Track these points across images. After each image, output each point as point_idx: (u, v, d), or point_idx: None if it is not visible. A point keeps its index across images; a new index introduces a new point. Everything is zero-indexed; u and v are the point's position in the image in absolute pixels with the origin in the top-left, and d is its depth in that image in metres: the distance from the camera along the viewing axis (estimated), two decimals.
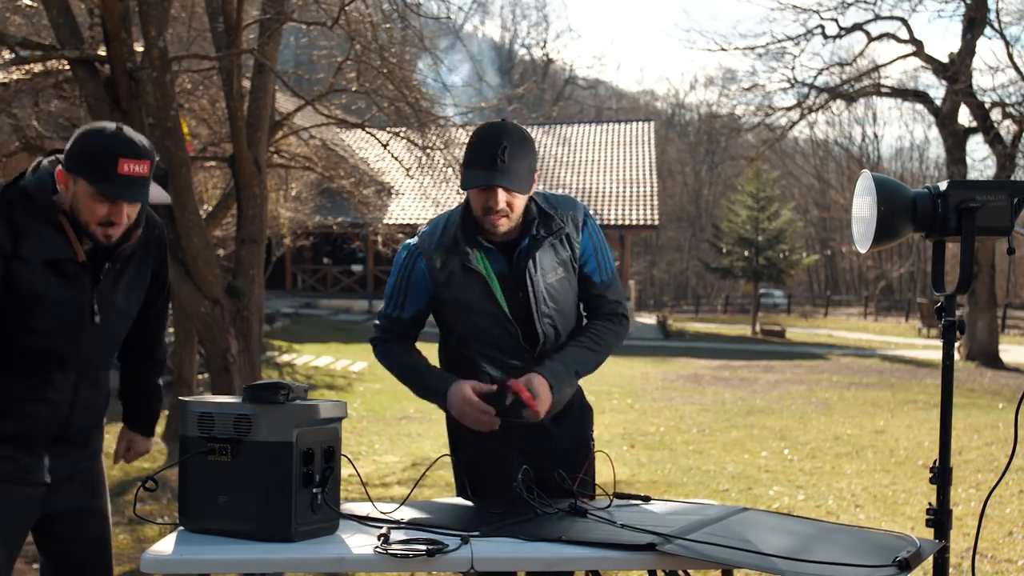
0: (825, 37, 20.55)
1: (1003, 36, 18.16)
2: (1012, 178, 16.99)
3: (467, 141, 2.52)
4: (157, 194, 2.34)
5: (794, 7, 20.33)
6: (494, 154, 2.41)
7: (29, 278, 2.29)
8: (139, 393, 2.77)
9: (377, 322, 2.70)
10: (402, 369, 2.65)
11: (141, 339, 2.69)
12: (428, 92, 10.15)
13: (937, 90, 33.50)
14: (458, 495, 2.73)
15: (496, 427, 2.48)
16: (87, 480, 2.54)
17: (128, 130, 2.30)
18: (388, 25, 8.59)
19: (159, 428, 8.56)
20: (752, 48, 21.21)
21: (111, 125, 2.30)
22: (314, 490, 2.16)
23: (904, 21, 20.05)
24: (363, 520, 2.31)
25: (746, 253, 29.85)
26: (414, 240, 2.64)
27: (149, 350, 2.74)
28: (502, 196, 2.45)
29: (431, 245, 2.57)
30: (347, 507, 2.38)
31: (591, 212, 2.73)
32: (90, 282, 2.38)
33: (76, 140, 2.28)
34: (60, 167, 2.30)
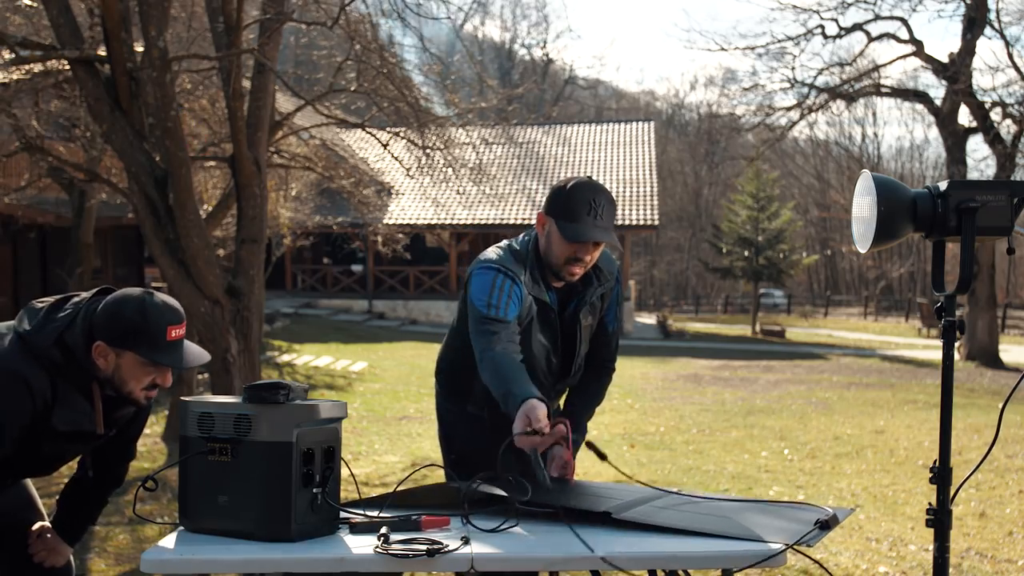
0: (825, 37, 20.55)
1: (1003, 36, 18.18)
2: (1012, 178, 16.99)
3: (557, 193, 2.57)
4: (198, 355, 2.36)
5: (794, 7, 20.34)
6: (595, 210, 2.52)
7: (41, 441, 2.32)
8: (90, 502, 2.67)
9: (485, 330, 2.50)
10: (500, 382, 2.45)
11: (113, 458, 2.63)
12: (428, 93, 10.15)
13: (937, 90, 33.52)
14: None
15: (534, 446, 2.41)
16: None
17: (158, 293, 2.29)
18: (388, 24, 8.59)
19: (158, 428, 8.57)
20: (752, 48, 21.22)
21: (139, 292, 2.27)
22: (314, 490, 2.16)
23: (904, 21, 20.07)
24: (356, 517, 2.31)
25: (746, 253, 29.84)
26: (499, 265, 2.58)
27: (116, 465, 2.66)
28: (593, 251, 2.58)
29: (521, 276, 2.60)
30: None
31: None
32: (90, 441, 2.45)
33: (113, 315, 2.24)
34: (100, 342, 2.24)
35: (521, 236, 2.71)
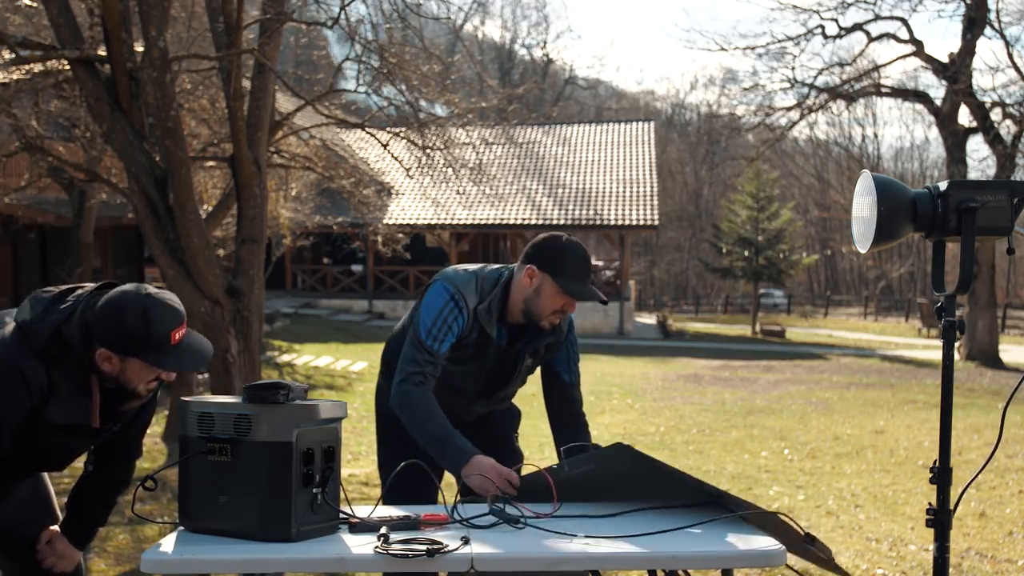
0: (825, 37, 20.56)
1: (1003, 36, 18.20)
2: (1012, 178, 16.99)
3: (551, 250, 2.69)
4: (202, 351, 2.35)
5: (794, 7, 20.35)
6: (589, 272, 2.72)
7: (37, 433, 2.31)
8: (97, 504, 2.65)
9: (415, 355, 2.68)
10: (427, 422, 2.64)
11: (118, 455, 2.61)
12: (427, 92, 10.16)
13: (937, 90, 33.54)
14: (384, 481, 2.88)
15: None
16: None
17: (156, 293, 2.26)
18: (388, 25, 8.59)
19: (158, 428, 8.56)
20: (752, 48, 21.24)
21: (140, 295, 2.23)
22: (314, 490, 2.16)
23: (904, 21, 20.08)
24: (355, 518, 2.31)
25: (746, 253, 29.83)
26: (455, 290, 2.71)
27: (122, 462, 2.65)
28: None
29: (472, 305, 2.72)
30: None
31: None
32: (92, 436, 2.43)
33: (116, 323, 2.21)
34: (103, 349, 2.23)
35: (493, 268, 2.83)
